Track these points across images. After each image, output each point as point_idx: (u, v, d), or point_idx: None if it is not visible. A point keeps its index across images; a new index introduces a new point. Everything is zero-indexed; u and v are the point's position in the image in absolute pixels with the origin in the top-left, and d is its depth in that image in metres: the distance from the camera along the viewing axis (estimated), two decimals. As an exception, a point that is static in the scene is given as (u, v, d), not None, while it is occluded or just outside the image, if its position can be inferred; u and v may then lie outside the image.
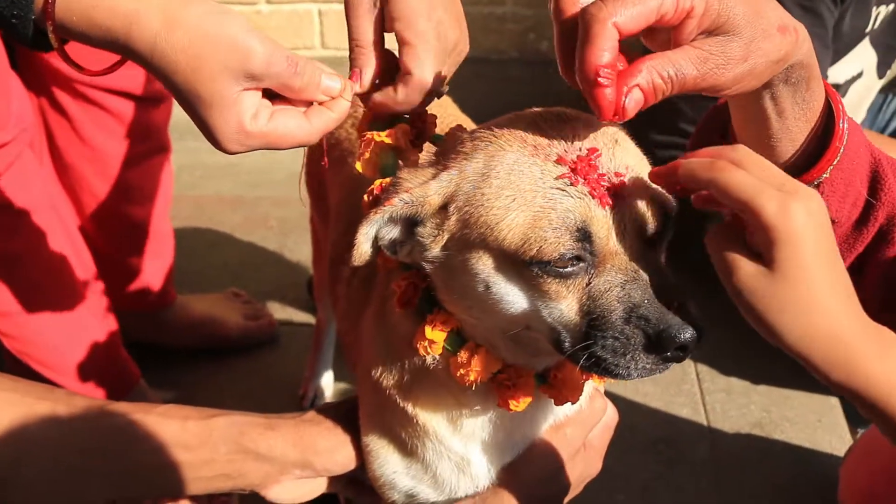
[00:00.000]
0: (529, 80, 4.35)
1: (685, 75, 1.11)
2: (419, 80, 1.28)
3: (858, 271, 1.48)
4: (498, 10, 4.39)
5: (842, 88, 2.69)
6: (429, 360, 1.39)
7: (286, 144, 1.24)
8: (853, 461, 2.23)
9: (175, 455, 1.49)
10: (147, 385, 2.60)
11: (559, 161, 1.16)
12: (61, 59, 1.22)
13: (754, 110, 1.28)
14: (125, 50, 1.15)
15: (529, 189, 1.15)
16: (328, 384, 2.84)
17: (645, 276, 1.17)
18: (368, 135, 1.35)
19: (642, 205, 1.19)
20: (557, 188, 1.14)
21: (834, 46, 2.51)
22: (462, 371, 1.33)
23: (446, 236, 1.23)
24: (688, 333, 1.12)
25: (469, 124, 1.80)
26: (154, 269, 2.78)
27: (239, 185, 4.21)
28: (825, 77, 2.49)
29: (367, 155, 1.36)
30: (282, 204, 3.92)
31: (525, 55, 4.43)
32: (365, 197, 1.32)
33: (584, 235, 1.14)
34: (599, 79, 1.06)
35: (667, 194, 1.21)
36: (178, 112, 4.75)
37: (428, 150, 1.39)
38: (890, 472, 2.06)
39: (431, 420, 1.48)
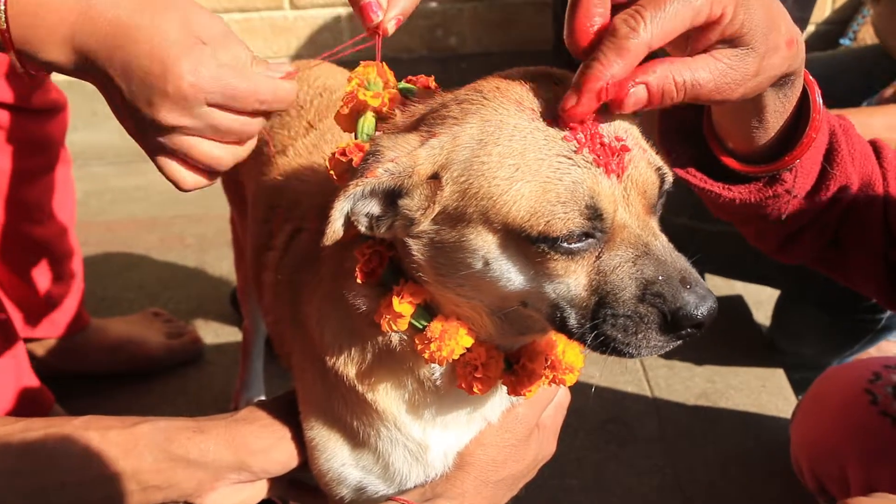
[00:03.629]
0: (440, 76, 4.30)
1: (701, 86, 1.08)
2: None
3: (795, 237, 1.48)
4: (404, 7, 4.32)
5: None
6: (395, 339, 1.28)
7: (244, 86, 1.15)
8: (802, 417, 2.21)
9: (97, 469, 1.36)
10: (65, 412, 2.43)
11: (559, 125, 1.08)
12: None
13: (735, 105, 1.25)
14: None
15: (534, 158, 1.06)
16: (260, 395, 2.71)
17: (656, 249, 1.10)
18: (355, 90, 1.23)
19: (645, 171, 1.12)
20: (563, 156, 1.06)
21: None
22: (434, 347, 1.22)
23: (437, 209, 1.12)
24: (704, 309, 1.06)
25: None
26: (62, 292, 2.61)
27: (151, 206, 4.05)
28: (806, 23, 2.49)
29: (346, 110, 1.24)
30: (197, 221, 3.79)
31: (434, 52, 4.38)
32: (328, 158, 1.21)
33: (594, 213, 1.07)
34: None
35: (662, 160, 1.15)
36: (82, 139, 4.61)
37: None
38: (839, 422, 2.05)
39: (392, 406, 1.37)
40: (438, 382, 1.34)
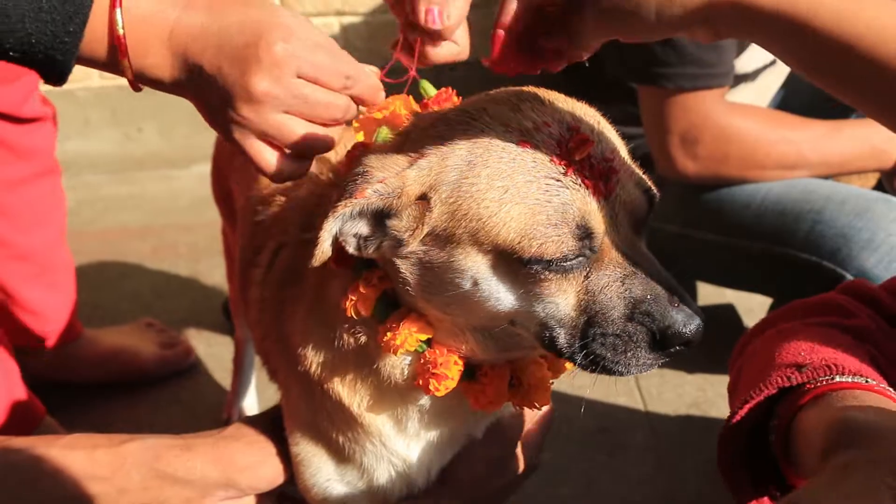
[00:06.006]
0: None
1: None
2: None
3: None
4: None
5: (750, 77, 2.68)
6: (396, 373, 1.30)
7: (334, 57, 1.20)
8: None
9: (84, 488, 1.37)
10: (57, 423, 2.43)
11: (548, 147, 1.09)
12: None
13: None
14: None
15: (523, 180, 1.08)
16: (252, 404, 2.71)
17: (643, 268, 1.12)
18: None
19: (632, 191, 1.14)
20: (552, 178, 1.08)
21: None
22: (434, 383, 1.23)
23: (426, 230, 1.13)
24: (692, 327, 1.08)
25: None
26: (53, 303, 2.60)
27: (144, 214, 4.06)
28: (732, 68, 2.47)
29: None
30: (190, 230, 3.80)
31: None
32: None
33: (584, 233, 1.08)
34: None
35: (649, 180, 1.17)
36: (74, 148, 4.59)
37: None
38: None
39: (377, 420, 1.37)
40: (422, 397, 1.34)
